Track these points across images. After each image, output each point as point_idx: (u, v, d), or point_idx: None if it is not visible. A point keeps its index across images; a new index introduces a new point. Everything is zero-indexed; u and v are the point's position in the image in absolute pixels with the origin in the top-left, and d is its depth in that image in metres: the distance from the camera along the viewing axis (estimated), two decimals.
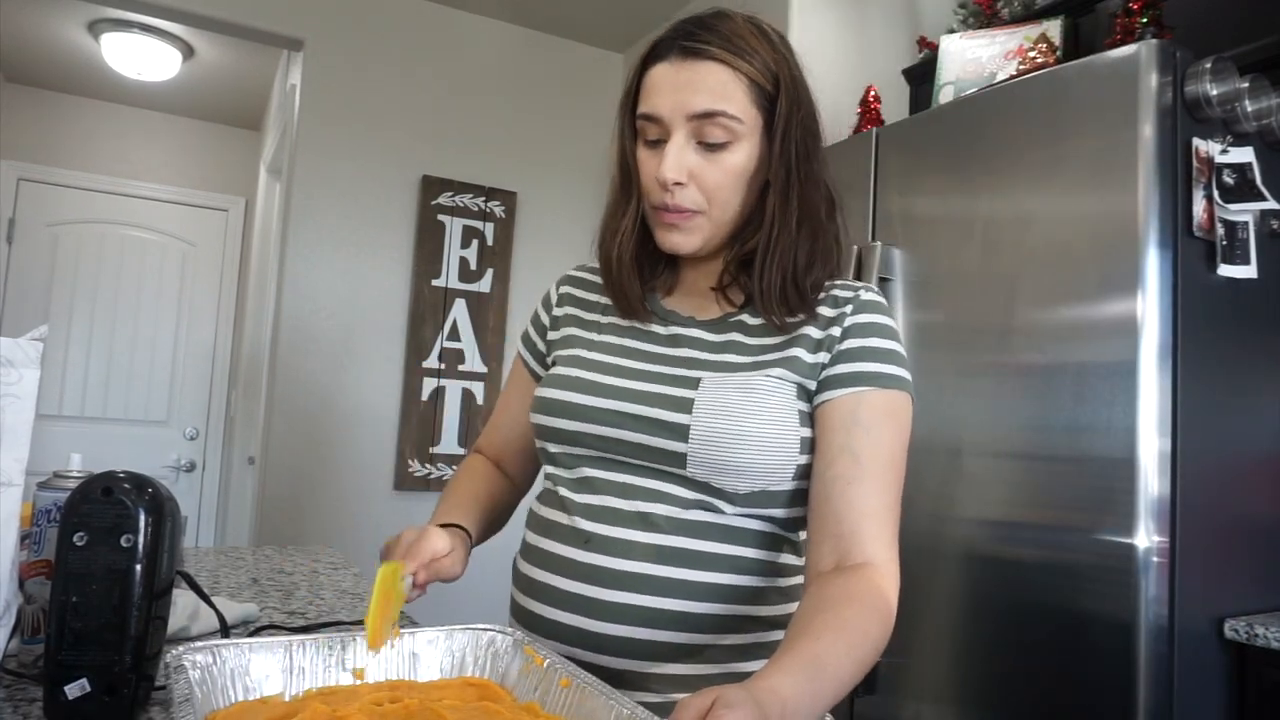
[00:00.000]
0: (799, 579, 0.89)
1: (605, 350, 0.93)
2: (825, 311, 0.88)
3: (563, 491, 0.90)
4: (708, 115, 0.84)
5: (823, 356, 0.86)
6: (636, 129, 0.90)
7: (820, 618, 0.71)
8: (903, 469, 0.84)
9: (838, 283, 0.91)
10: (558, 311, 1.02)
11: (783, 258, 0.86)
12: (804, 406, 0.85)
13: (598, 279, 1.00)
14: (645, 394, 0.86)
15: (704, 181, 0.86)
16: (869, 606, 0.73)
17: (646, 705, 0.75)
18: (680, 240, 0.89)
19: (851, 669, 0.69)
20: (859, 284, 0.91)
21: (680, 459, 0.83)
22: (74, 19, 3.31)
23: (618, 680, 0.82)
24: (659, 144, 0.87)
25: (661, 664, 0.83)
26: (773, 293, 0.86)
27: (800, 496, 0.86)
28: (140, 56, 3.45)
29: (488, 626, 0.77)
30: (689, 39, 0.85)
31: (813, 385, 0.85)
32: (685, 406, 0.83)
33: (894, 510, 0.81)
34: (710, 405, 0.83)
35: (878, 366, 0.85)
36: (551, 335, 1.01)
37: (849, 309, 0.88)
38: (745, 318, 0.91)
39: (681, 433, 0.83)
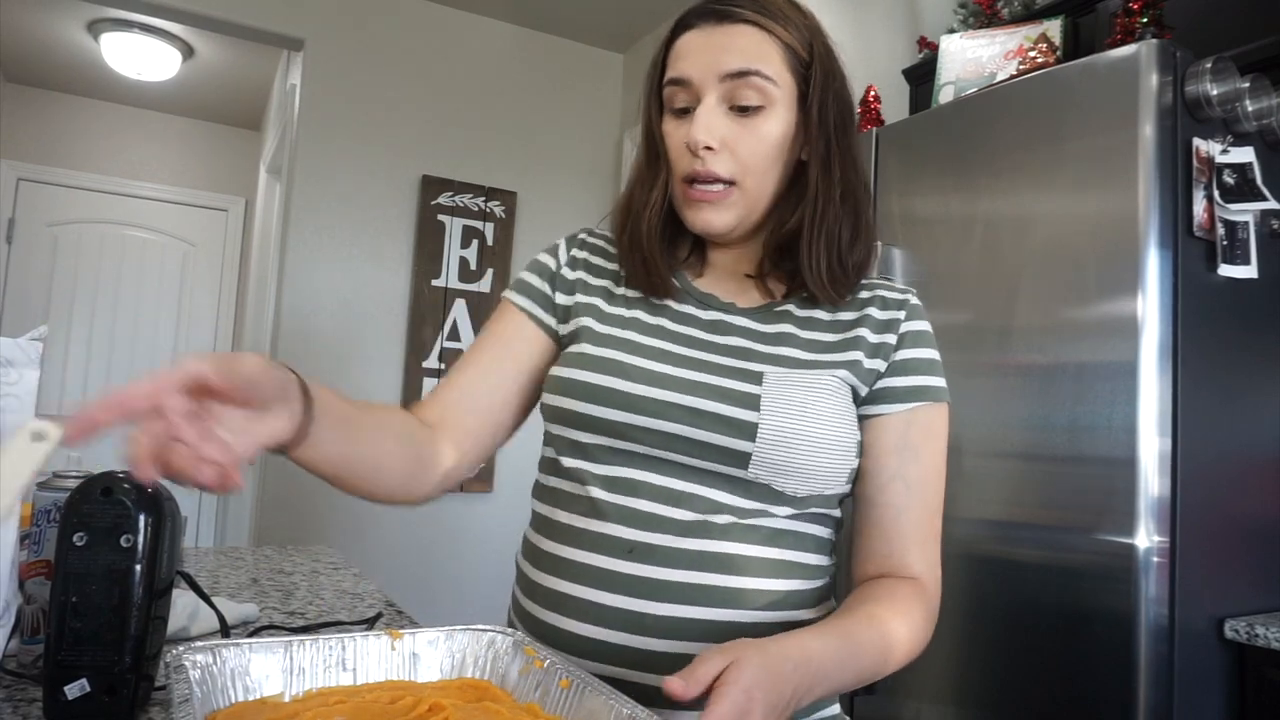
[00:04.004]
0: (827, 579, 0.86)
1: (642, 330, 0.85)
2: (877, 313, 0.85)
3: (595, 492, 0.81)
4: (741, 75, 0.79)
5: (879, 364, 0.84)
6: (663, 101, 0.85)
7: (859, 608, 0.75)
8: (944, 479, 0.85)
9: (878, 280, 0.88)
10: (569, 274, 0.91)
11: (829, 233, 0.82)
12: (855, 410, 0.83)
13: (613, 248, 0.92)
14: (706, 386, 0.79)
15: (737, 149, 0.81)
16: (905, 612, 0.76)
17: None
18: (712, 217, 0.83)
19: (875, 655, 0.72)
20: (901, 286, 0.89)
21: (743, 459, 0.77)
22: (74, 19, 3.31)
23: (676, 701, 0.77)
24: (688, 112, 0.82)
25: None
26: (820, 271, 0.82)
27: (843, 499, 0.85)
28: (140, 56, 3.45)
29: (488, 627, 0.76)
30: (720, 3, 0.82)
31: (864, 391, 0.83)
32: (751, 403, 0.78)
33: (938, 524, 0.84)
34: (778, 403, 0.78)
35: (929, 380, 0.84)
36: (562, 299, 0.90)
37: (902, 315, 0.85)
38: (792, 308, 0.86)
39: (748, 431, 0.77)
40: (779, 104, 0.81)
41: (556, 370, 0.85)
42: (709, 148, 0.80)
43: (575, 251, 0.93)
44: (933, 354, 0.86)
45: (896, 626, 0.75)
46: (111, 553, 0.67)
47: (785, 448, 0.77)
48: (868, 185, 0.88)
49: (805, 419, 0.78)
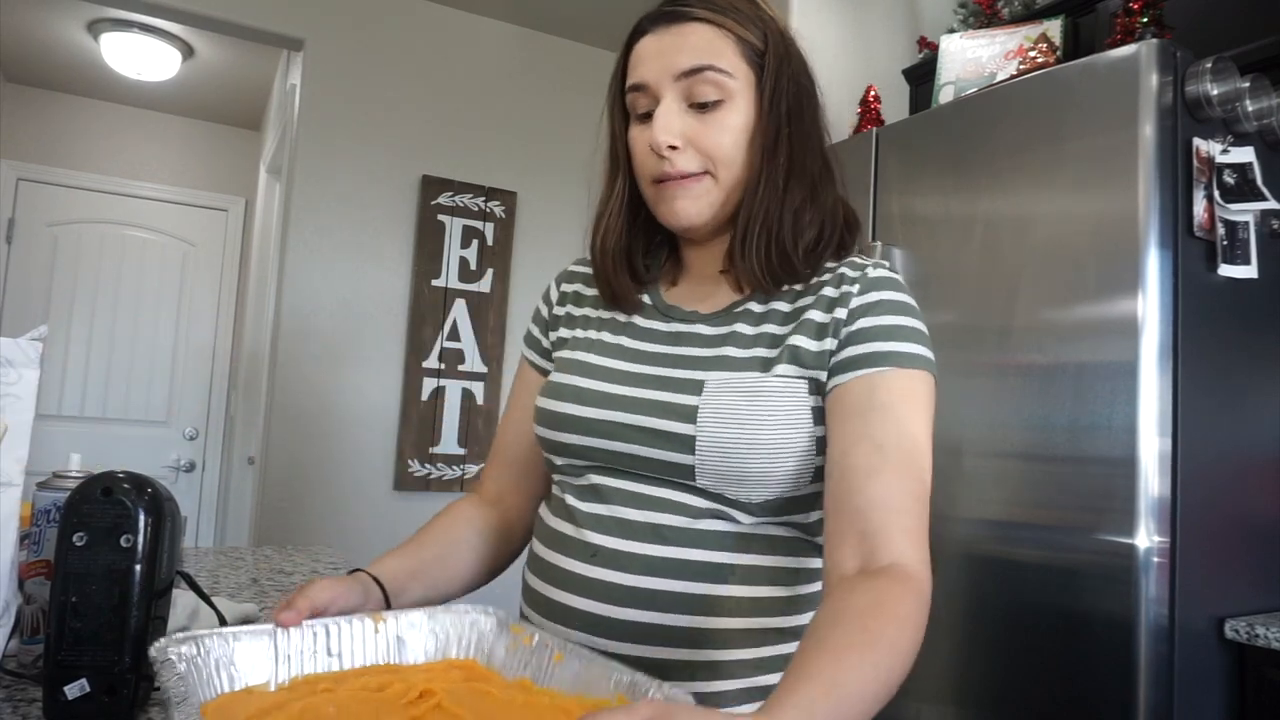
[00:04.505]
0: (815, 583, 0.84)
1: (601, 351, 0.87)
2: (829, 292, 0.80)
3: (570, 500, 0.84)
4: (695, 71, 0.80)
5: (829, 343, 0.78)
6: (626, 110, 0.86)
7: (840, 631, 0.61)
8: (929, 455, 0.75)
9: (852, 259, 0.83)
10: (559, 310, 0.97)
11: (768, 218, 0.80)
12: (817, 402, 0.77)
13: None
14: (645, 402, 0.80)
15: (702, 144, 0.81)
16: (898, 616, 0.64)
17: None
18: (687, 207, 0.82)
19: (878, 689, 0.59)
20: (867, 261, 0.82)
21: (688, 471, 0.77)
22: (74, 19, 3.31)
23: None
24: (650, 116, 0.83)
25: (679, 684, 0.75)
26: (755, 258, 0.80)
27: (821, 498, 0.79)
28: (140, 56, 3.45)
29: (469, 607, 0.76)
30: (671, 4, 0.83)
31: (823, 376, 0.77)
32: (689, 415, 0.77)
33: (922, 502, 0.72)
34: (716, 413, 0.76)
35: (893, 345, 0.76)
36: (553, 334, 0.96)
37: (855, 289, 0.79)
38: (752, 305, 0.83)
39: (687, 444, 0.76)
40: (738, 95, 0.82)
41: (535, 399, 0.90)
42: (673, 147, 0.81)
43: (564, 286, 0.98)
44: (900, 320, 0.78)
45: (888, 642, 0.62)
46: (111, 553, 0.67)
47: (726, 458, 0.75)
48: (829, 168, 0.85)
49: (745, 426, 0.75)
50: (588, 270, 0.96)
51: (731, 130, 0.81)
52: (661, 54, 0.82)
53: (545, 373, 0.96)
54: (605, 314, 0.91)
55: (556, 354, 0.93)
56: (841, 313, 0.78)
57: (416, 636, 0.74)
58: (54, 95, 4.05)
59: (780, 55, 0.83)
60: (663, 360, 0.84)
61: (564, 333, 0.94)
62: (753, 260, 0.81)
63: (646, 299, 0.90)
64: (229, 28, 2.85)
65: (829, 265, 0.83)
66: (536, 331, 0.99)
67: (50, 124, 4.05)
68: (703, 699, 0.73)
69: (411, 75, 2.98)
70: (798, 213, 0.81)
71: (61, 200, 4.04)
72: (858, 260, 0.83)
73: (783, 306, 0.82)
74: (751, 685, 0.79)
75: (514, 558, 0.97)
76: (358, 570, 0.84)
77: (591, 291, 0.94)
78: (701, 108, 0.81)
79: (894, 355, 0.76)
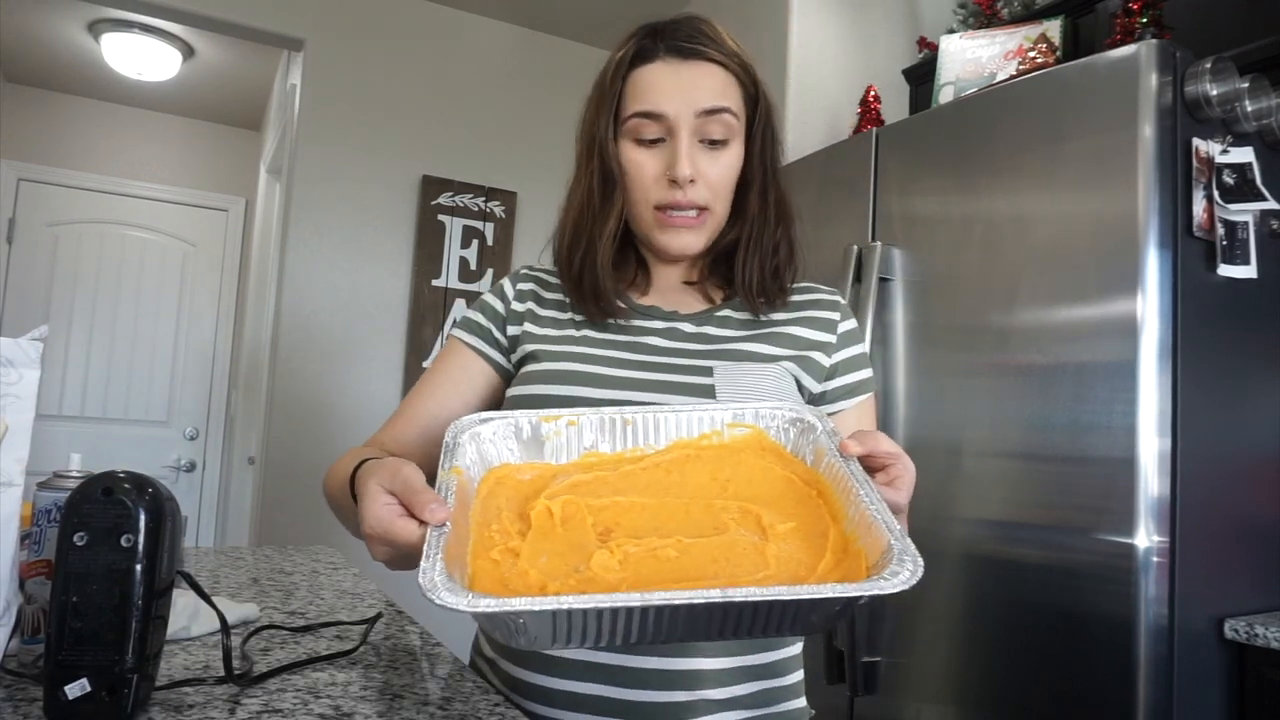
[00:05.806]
0: None
1: (594, 345, 0.91)
2: (813, 313, 0.94)
3: None
4: (714, 112, 0.85)
5: (824, 359, 0.91)
6: (619, 131, 0.88)
7: None
8: None
9: (806, 284, 0.97)
10: (518, 306, 0.97)
11: (763, 253, 0.91)
12: (805, 397, 0.90)
13: (554, 278, 0.99)
14: (661, 383, 0.85)
15: (710, 179, 0.87)
16: None
17: (692, 704, 0.79)
18: (690, 240, 0.89)
19: None
20: (826, 287, 0.98)
21: None
22: (74, 19, 3.31)
23: (661, 681, 0.79)
24: (656, 143, 0.87)
25: (702, 658, 0.81)
26: (752, 285, 0.91)
27: None
28: (140, 56, 3.45)
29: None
30: (686, 40, 0.87)
31: (816, 387, 0.91)
32: (706, 392, 0.84)
33: None
34: (731, 390, 0.84)
35: (866, 373, 0.94)
36: (512, 329, 0.96)
37: (836, 315, 0.94)
38: (729, 312, 0.93)
39: None
40: (737, 137, 0.88)
41: (516, 389, 0.90)
42: (691, 181, 0.85)
43: (521, 285, 0.99)
44: (865, 348, 0.97)
45: None
46: (112, 552, 0.67)
47: None
48: (797, 210, 0.94)
49: (759, 401, 0.82)
50: (545, 276, 1.00)
51: (732, 168, 0.89)
52: (681, 88, 0.86)
53: (495, 364, 0.96)
54: (579, 315, 0.94)
55: (530, 347, 0.93)
56: (831, 337, 0.93)
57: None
58: (54, 95, 4.06)
59: (765, 105, 0.91)
60: (659, 350, 0.90)
61: (530, 328, 0.95)
62: (753, 284, 0.91)
63: (620, 303, 0.94)
64: (229, 28, 2.85)
65: (792, 286, 0.96)
66: (485, 321, 0.98)
67: (50, 124, 4.05)
68: (723, 675, 0.82)
69: (411, 75, 2.99)
70: (789, 250, 0.93)
71: (62, 200, 4.04)
72: (815, 285, 0.97)
73: (759, 316, 0.93)
74: (757, 643, 0.83)
75: None
76: (371, 459, 0.75)
77: (551, 294, 0.98)
78: (711, 145, 0.87)
79: (869, 382, 0.94)
